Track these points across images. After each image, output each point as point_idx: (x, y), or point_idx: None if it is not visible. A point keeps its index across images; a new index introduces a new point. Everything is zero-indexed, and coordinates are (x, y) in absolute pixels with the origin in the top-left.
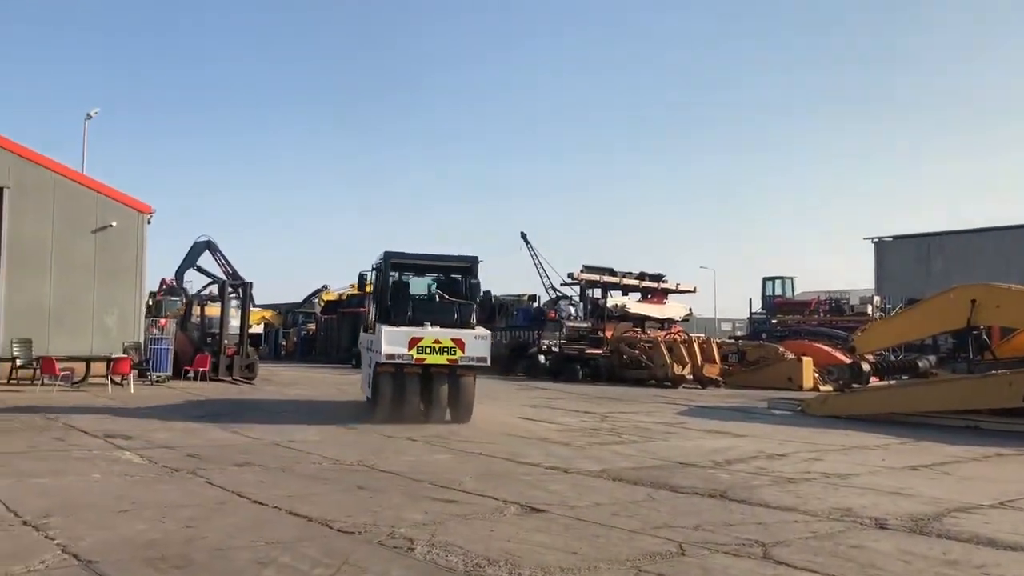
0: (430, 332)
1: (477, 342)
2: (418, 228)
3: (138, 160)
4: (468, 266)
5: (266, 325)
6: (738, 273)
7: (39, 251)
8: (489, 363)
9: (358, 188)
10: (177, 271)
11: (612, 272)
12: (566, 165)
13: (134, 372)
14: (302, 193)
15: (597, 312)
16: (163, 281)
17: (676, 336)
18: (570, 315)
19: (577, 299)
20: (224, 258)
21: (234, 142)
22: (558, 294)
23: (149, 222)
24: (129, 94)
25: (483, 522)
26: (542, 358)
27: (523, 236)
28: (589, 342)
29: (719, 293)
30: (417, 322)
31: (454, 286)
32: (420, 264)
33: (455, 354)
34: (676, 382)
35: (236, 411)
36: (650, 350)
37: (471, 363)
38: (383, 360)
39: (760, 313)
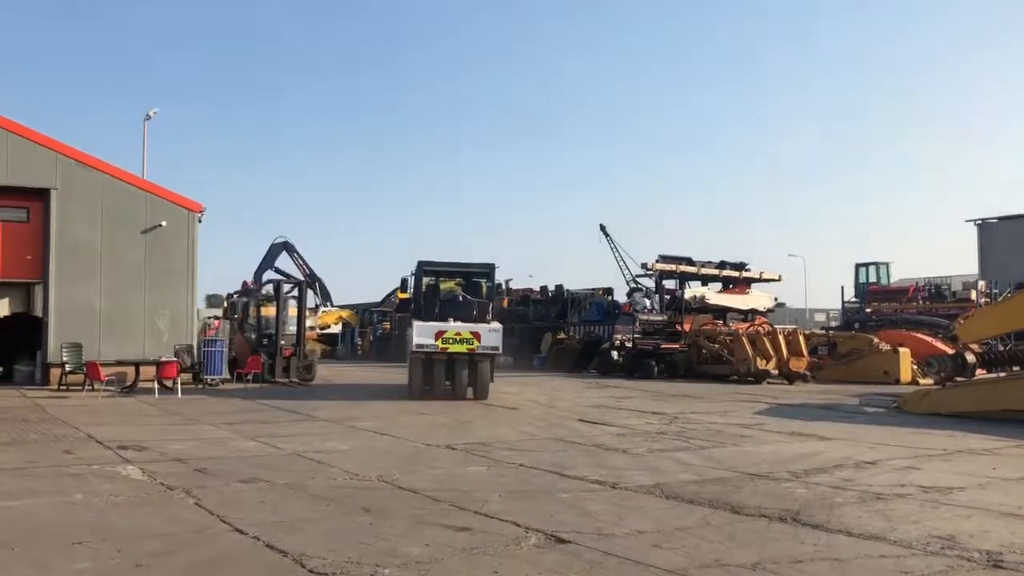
0: (452, 326)
1: (491, 334)
2: (490, 225)
3: (226, 159)
4: (487, 271)
5: (344, 325)
6: (833, 261)
7: (88, 254)
8: (501, 351)
9: (443, 185)
10: (256, 272)
11: (690, 261)
12: (646, 153)
13: (187, 376)
14: (384, 190)
15: (674, 304)
16: (244, 283)
17: (759, 328)
18: (645, 308)
19: (653, 291)
20: (302, 258)
21: (310, 141)
22: (633, 286)
23: (200, 221)
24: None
25: (490, 558)
26: (615, 354)
27: (602, 228)
28: (666, 336)
29: (812, 282)
30: (443, 318)
31: (476, 288)
32: (447, 271)
33: (473, 344)
34: (760, 377)
35: (273, 417)
36: (731, 343)
37: (486, 351)
38: (414, 348)
39: (853, 301)
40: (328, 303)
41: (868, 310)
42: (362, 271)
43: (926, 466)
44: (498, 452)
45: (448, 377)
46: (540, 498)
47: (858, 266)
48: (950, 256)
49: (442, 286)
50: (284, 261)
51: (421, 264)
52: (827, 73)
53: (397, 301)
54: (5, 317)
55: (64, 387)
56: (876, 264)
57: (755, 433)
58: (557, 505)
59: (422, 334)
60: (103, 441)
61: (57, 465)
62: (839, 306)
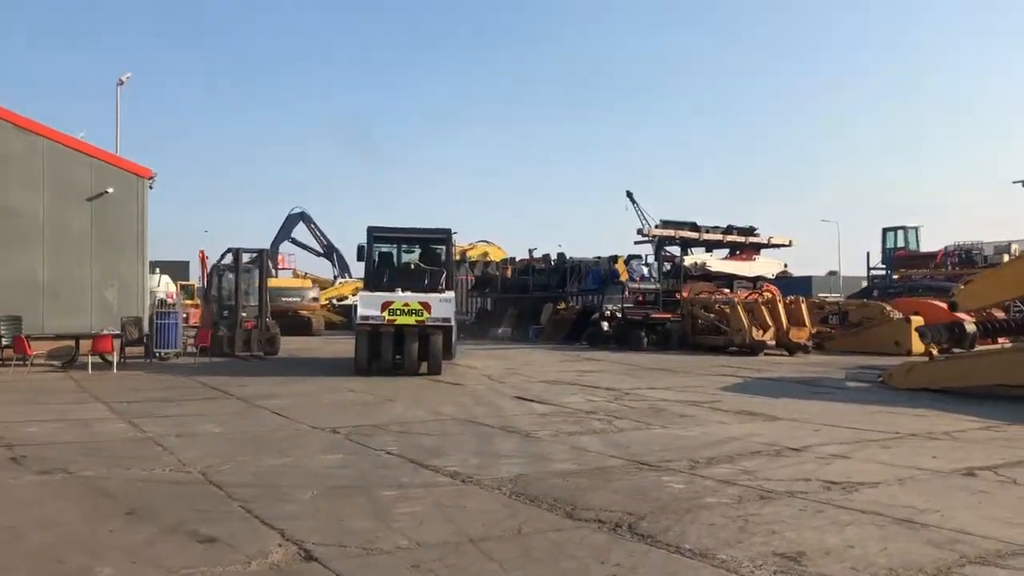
0: (400, 296)
1: (442, 305)
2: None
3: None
4: (443, 237)
5: None
6: (869, 226)
7: (29, 222)
8: (453, 323)
9: (463, 155)
10: (272, 243)
11: (694, 226)
12: (675, 117)
13: (139, 349)
14: (404, 159)
15: (675, 272)
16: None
17: (757, 296)
18: (643, 276)
19: (653, 258)
20: (319, 229)
21: (336, 103)
22: (638, 253)
23: (151, 187)
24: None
25: None
26: (605, 325)
27: (629, 195)
28: (663, 305)
29: (846, 248)
30: (392, 288)
31: (434, 256)
32: (399, 237)
33: (422, 315)
34: (756, 349)
35: (187, 395)
36: (727, 313)
37: (437, 323)
38: (359, 321)
39: (880, 267)
40: (346, 274)
41: (895, 276)
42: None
43: (857, 454)
44: (380, 437)
45: (398, 351)
46: (355, 497)
47: (885, 230)
48: (995, 224)
49: (406, 256)
50: (302, 232)
51: (371, 230)
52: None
53: None
54: None
55: (2, 362)
56: (904, 228)
57: (699, 412)
58: (365, 507)
59: (367, 305)
60: None
61: None
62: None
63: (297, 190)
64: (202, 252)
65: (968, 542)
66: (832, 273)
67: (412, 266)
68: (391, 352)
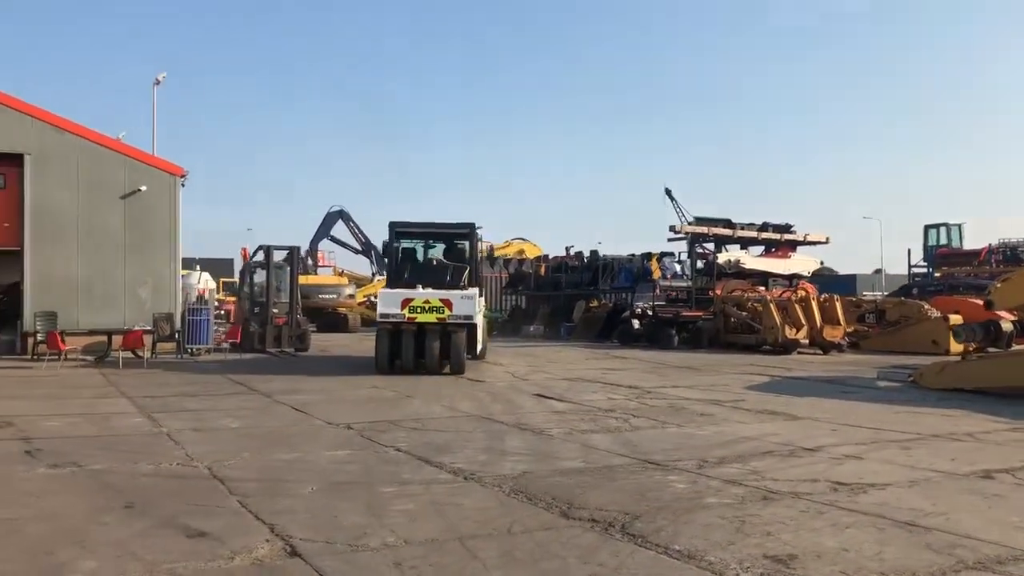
0: (420, 293)
1: (463, 302)
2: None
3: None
4: (466, 232)
5: None
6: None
7: (65, 220)
8: (475, 321)
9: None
10: (311, 241)
11: (728, 223)
12: (713, 114)
13: (170, 345)
14: (444, 158)
15: (707, 269)
16: (243, 251)
17: (790, 294)
18: (675, 273)
19: (685, 255)
20: (357, 227)
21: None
22: (676, 250)
23: (183, 185)
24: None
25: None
26: (635, 323)
27: (667, 192)
28: (696, 303)
29: (895, 246)
30: (412, 284)
31: (458, 252)
32: (422, 232)
33: (443, 313)
34: (789, 347)
35: (211, 390)
36: (759, 311)
37: (459, 321)
38: (378, 319)
39: (921, 265)
40: (384, 271)
41: (937, 274)
42: None
43: (872, 455)
44: (392, 433)
45: (419, 350)
46: (353, 492)
47: (927, 227)
48: None
49: (429, 252)
50: (341, 230)
51: (393, 225)
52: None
53: None
54: (10, 286)
55: (35, 357)
56: (947, 225)
57: (719, 412)
58: (361, 503)
59: (387, 302)
60: None
61: None
62: (920, 270)
63: (340, 189)
64: (244, 249)
65: (969, 546)
66: (878, 271)
67: (434, 262)
68: (412, 351)
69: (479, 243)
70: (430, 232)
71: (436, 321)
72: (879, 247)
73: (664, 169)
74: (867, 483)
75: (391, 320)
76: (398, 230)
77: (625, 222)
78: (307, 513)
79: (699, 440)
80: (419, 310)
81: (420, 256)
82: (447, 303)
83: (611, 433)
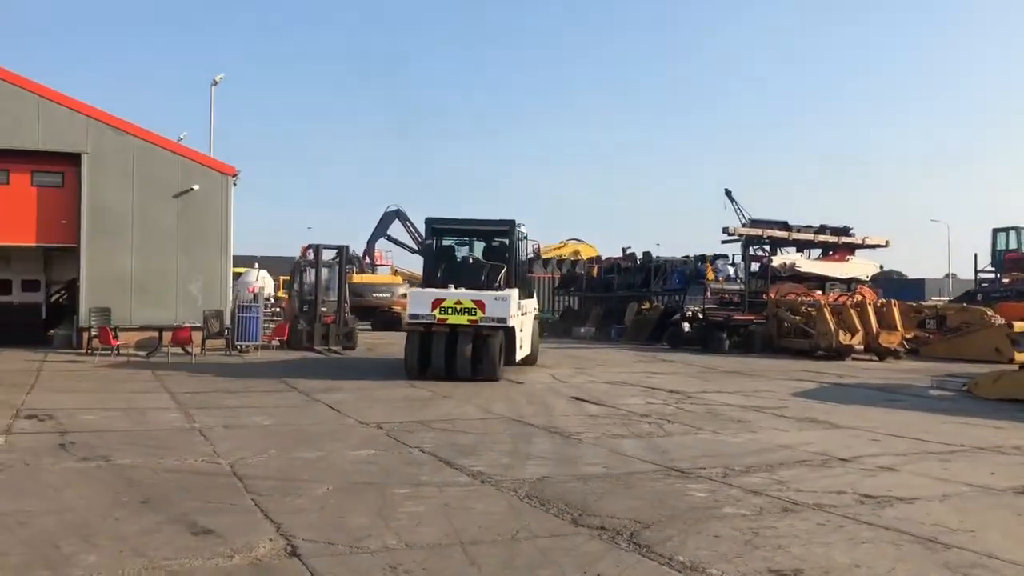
0: (452, 294)
1: (497, 303)
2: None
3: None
4: (505, 229)
5: None
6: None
7: (120, 218)
8: (511, 324)
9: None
10: (369, 240)
11: (784, 226)
12: (779, 114)
13: (219, 342)
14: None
15: (762, 272)
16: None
17: (846, 299)
18: (728, 276)
19: (739, 258)
20: (413, 227)
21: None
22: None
23: (235, 184)
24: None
25: (176, 570)
26: (686, 326)
27: (727, 193)
28: (749, 307)
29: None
30: (445, 284)
31: (498, 250)
32: (459, 229)
33: (475, 315)
34: (843, 353)
35: (251, 387)
36: (813, 315)
37: (491, 323)
38: (408, 320)
39: (988, 270)
40: None
41: (1005, 280)
42: None
43: (909, 467)
44: (420, 434)
45: (450, 353)
46: (367, 493)
47: (995, 231)
48: None
49: (467, 251)
50: (397, 229)
51: (430, 222)
52: None
53: None
54: (69, 281)
55: (89, 351)
56: (1016, 229)
57: (758, 418)
58: (372, 504)
59: (417, 302)
60: (20, 407)
61: None
62: (987, 276)
63: (402, 188)
64: (304, 248)
65: (988, 566)
66: (951, 276)
67: (471, 260)
68: (443, 355)
69: (526, 242)
70: (468, 230)
71: (468, 323)
72: (955, 251)
73: (729, 171)
74: (895, 496)
75: (421, 321)
76: (435, 226)
77: (688, 224)
78: (316, 513)
79: (731, 447)
80: (450, 311)
81: (458, 255)
82: (480, 304)
83: (642, 438)
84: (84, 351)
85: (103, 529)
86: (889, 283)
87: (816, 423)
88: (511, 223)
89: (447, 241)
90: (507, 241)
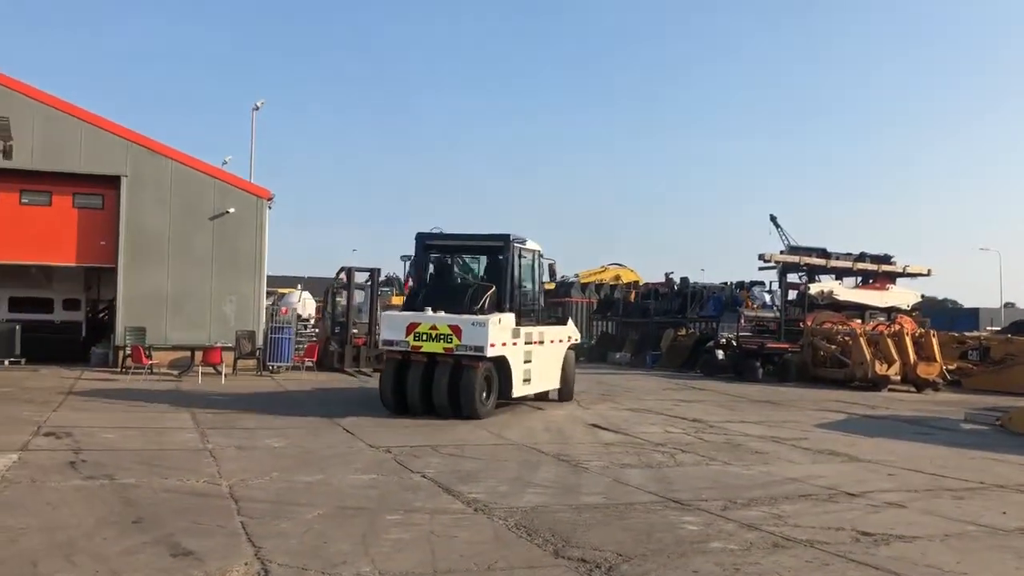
0: (428, 318)
1: (475, 330)
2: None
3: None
4: (500, 245)
5: None
6: None
7: (157, 239)
8: (492, 354)
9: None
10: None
11: (823, 253)
12: (819, 143)
13: (251, 362)
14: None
15: (799, 300)
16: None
17: (883, 328)
18: (764, 303)
19: (776, 285)
20: None
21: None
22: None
23: (270, 208)
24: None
25: None
26: (720, 353)
27: (772, 219)
28: (786, 335)
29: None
30: (425, 306)
31: (493, 268)
32: (452, 246)
33: (451, 342)
34: (879, 384)
35: (274, 407)
36: (849, 344)
37: (468, 352)
38: (382, 346)
39: None
40: None
41: None
42: None
43: (917, 503)
44: (427, 459)
45: (427, 385)
46: (356, 519)
47: None
48: None
49: (459, 269)
50: None
51: (420, 237)
52: None
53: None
54: (110, 301)
55: (123, 369)
56: None
57: (775, 449)
58: (357, 530)
59: (391, 327)
60: (42, 424)
61: None
62: None
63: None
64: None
65: None
66: (1009, 305)
67: (458, 280)
68: (418, 388)
69: (538, 261)
70: (461, 246)
71: (443, 351)
72: (997, 281)
73: (775, 196)
74: (895, 534)
75: (396, 348)
76: (426, 243)
77: (738, 249)
78: (298, 538)
79: (739, 479)
80: (425, 337)
81: (446, 274)
82: (456, 330)
83: (650, 468)
84: (119, 369)
85: (87, 548)
86: (942, 312)
87: (835, 456)
88: (505, 238)
89: (442, 260)
90: (502, 258)
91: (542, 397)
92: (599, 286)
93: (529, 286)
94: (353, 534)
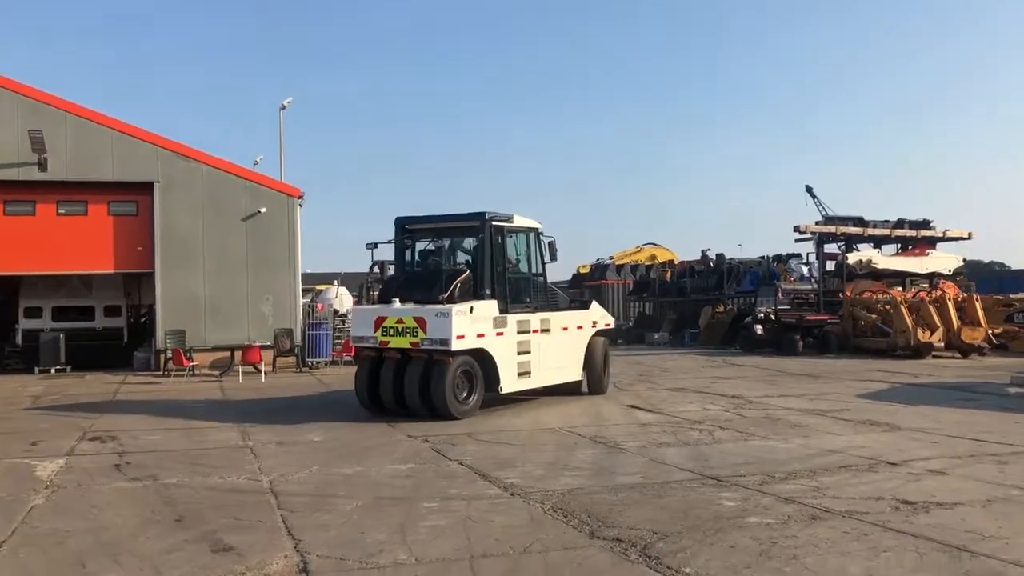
0: (394, 310)
1: (438, 320)
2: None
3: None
4: (475, 225)
5: None
6: None
7: (191, 243)
8: (454, 347)
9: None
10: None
11: (860, 221)
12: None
13: (289, 359)
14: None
15: (837, 270)
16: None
17: (924, 295)
18: (801, 276)
19: (814, 256)
20: None
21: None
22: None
23: (300, 206)
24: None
25: None
26: (758, 328)
27: (808, 190)
28: (825, 306)
29: None
30: (392, 298)
31: (471, 252)
32: (429, 229)
33: (417, 336)
34: (922, 351)
35: (313, 404)
36: (889, 313)
37: (434, 347)
38: (352, 343)
39: None
40: None
41: None
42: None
43: (959, 470)
44: (464, 446)
45: (399, 384)
46: (393, 509)
47: None
48: None
49: (434, 256)
50: None
51: (399, 222)
52: None
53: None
54: (150, 305)
55: (165, 372)
56: None
57: (815, 422)
58: (395, 519)
59: (360, 322)
60: (88, 430)
61: None
62: None
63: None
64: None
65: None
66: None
67: (433, 266)
68: (391, 386)
69: (534, 240)
70: (438, 228)
71: (409, 346)
72: None
73: (811, 170)
74: (935, 502)
75: (366, 344)
76: (406, 226)
77: (774, 223)
78: (337, 530)
79: (777, 454)
80: (392, 332)
81: (422, 260)
82: (421, 323)
83: (687, 446)
84: (161, 372)
85: (131, 547)
86: (989, 275)
87: (876, 426)
88: (481, 216)
89: (420, 245)
90: (478, 240)
91: (571, 390)
92: (634, 267)
93: (525, 268)
94: (391, 523)
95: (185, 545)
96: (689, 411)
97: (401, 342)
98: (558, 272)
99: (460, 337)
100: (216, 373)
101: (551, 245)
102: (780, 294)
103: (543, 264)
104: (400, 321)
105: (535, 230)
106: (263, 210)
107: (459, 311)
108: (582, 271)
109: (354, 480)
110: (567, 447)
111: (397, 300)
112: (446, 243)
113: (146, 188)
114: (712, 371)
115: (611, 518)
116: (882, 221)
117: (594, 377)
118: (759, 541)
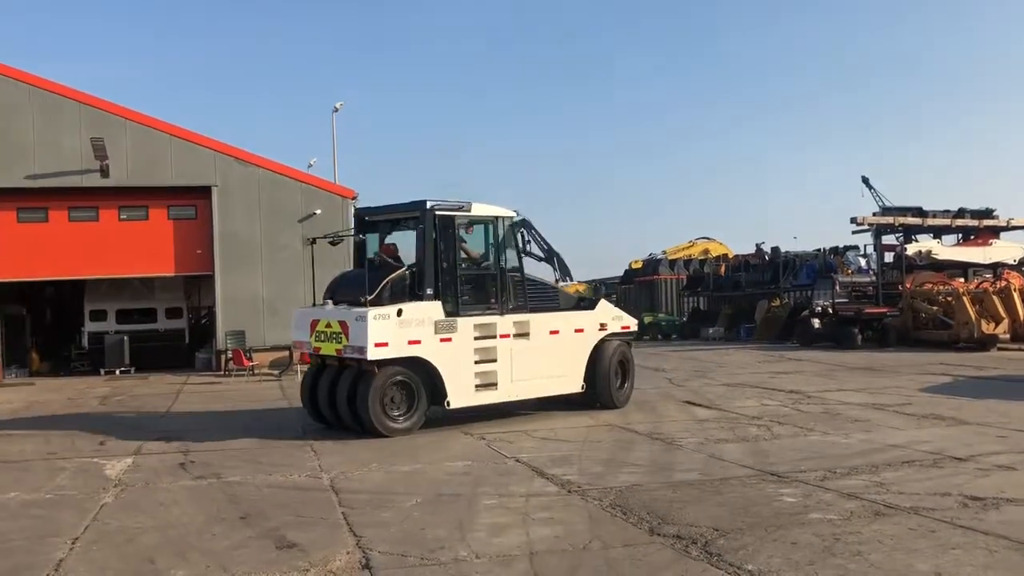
0: (325, 313)
1: (358, 325)
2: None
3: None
4: (416, 216)
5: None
6: None
7: (249, 245)
8: (370, 356)
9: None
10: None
11: (919, 212)
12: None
13: None
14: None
15: (896, 262)
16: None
17: (988, 285)
18: (859, 268)
19: (872, 248)
20: (539, 234)
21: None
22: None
23: (354, 206)
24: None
25: None
26: (816, 322)
27: (864, 180)
28: (884, 299)
29: None
30: (326, 299)
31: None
32: (385, 221)
33: (341, 342)
34: (986, 343)
35: None
36: (951, 304)
37: (354, 355)
38: (293, 348)
39: None
40: (567, 278)
41: None
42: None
43: None
44: (521, 443)
45: (332, 393)
46: (453, 505)
47: None
48: None
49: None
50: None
51: (358, 214)
52: None
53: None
54: (210, 307)
55: (226, 372)
56: None
57: (876, 417)
58: (455, 516)
59: (298, 326)
60: (153, 430)
61: (48, 457)
62: None
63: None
64: None
65: None
66: None
67: (377, 261)
68: (326, 396)
69: (504, 229)
70: (387, 220)
71: (336, 353)
72: None
73: (867, 159)
74: (1006, 498)
75: (304, 351)
76: (367, 218)
77: (834, 214)
78: (398, 526)
79: (838, 449)
80: (323, 337)
81: (371, 255)
82: (344, 327)
83: (746, 442)
84: (222, 372)
85: (198, 544)
86: None
87: (940, 420)
88: (421, 205)
89: (384, 238)
90: (420, 230)
91: (581, 403)
92: (687, 261)
93: (490, 263)
94: (450, 520)
95: (250, 542)
96: (747, 406)
97: (329, 348)
98: (611, 268)
99: (381, 345)
100: (275, 372)
101: (553, 252)
102: (837, 287)
103: (518, 258)
104: (329, 325)
105: (502, 218)
106: (318, 211)
107: (379, 315)
108: (634, 266)
109: (413, 477)
110: (623, 444)
111: (330, 301)
112: (400, 237)
113: (204, 192)
114: (769, 366)
115: (671, 515)
116: (942, 211)
117: (600, 388)
118: (822, 537)
